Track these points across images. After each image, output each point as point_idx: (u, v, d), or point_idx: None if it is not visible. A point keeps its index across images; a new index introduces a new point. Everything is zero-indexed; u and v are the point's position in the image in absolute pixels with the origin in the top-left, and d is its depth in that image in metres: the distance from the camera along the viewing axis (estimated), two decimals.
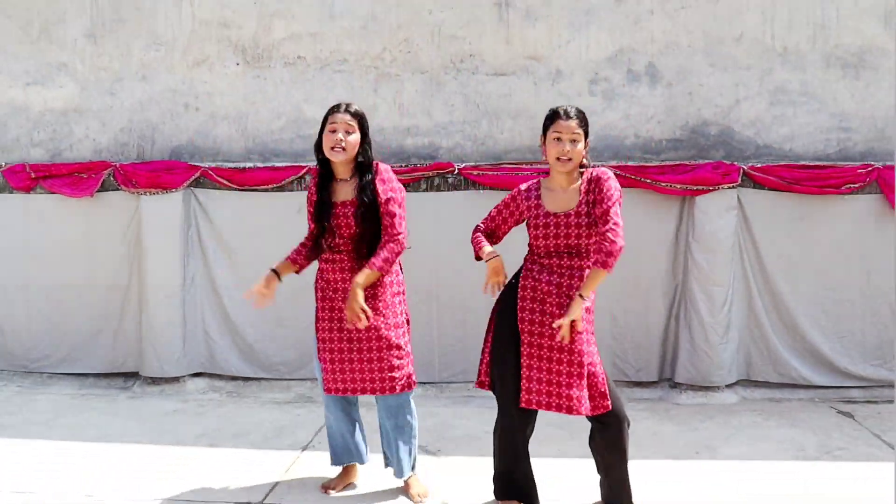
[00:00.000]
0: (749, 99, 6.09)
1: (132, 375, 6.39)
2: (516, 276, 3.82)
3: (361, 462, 4.21)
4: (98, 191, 6.28)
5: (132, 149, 6.45)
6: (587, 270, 3.59)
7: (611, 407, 3.60)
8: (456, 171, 6.06)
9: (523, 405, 3.66)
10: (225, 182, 6.18)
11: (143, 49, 6.39)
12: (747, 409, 5.73)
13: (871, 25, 6.00)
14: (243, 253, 6.25)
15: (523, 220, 3.85)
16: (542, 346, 3.63)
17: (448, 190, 6.11)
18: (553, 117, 3.64)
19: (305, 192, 5.96)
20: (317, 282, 4.10)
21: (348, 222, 3.87)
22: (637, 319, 6.11)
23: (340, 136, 3.81)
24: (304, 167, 6.12)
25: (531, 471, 3.88)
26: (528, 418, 3.79)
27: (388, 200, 3.87)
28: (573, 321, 3.47)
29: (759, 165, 5.94)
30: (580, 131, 3.61)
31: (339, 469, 4.26)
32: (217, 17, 6.32)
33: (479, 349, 6.06)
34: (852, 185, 5.85)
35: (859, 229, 5.95)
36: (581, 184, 3.66)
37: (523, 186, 3.86)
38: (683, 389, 6.01)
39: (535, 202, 3.74)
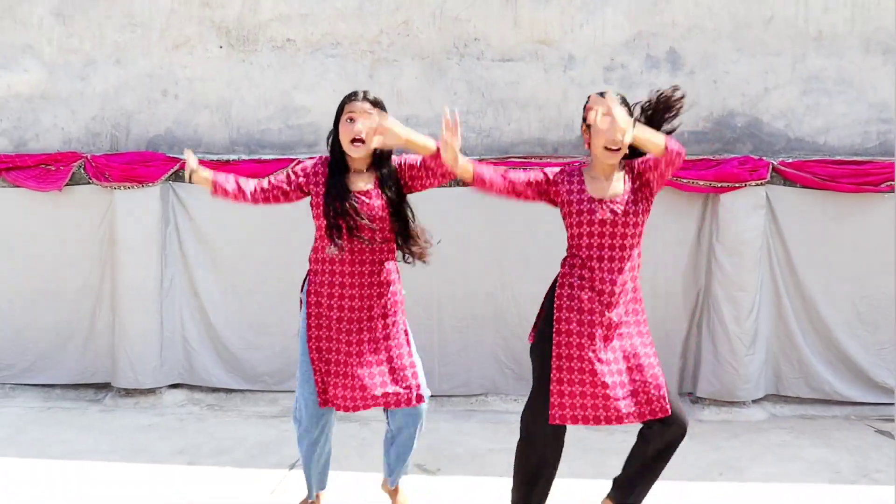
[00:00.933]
0: (780, 87, 6.09)
1: (104, 386, 6.38)
2: (551, 290, 3.78)
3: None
4: (67, 184, 6.26)
5: (105, 139, 6.43)
6: (629, 283, 3.62)
7: (670, 412, 3.55)
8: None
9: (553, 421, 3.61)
10: None
11: (117, 30, 6.37)
12: (776, 426, 5.73)
13: None
14: (227, 253, 6.26)
15: (549, 200, 3.75)
16: (583, 357, 3.58)
17: (450, 185, 6.03)
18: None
19: None
20: (312, 288, 3.96)
21: (370, 207, 3.77)
22: (655, 328, 5.94)
23: (360, 126, 3.71)
24: (294, 160, 6.03)
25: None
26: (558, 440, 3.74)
27: (403, 161, 3.82)
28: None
29: (790, 161, 5.94)
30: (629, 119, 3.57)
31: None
32: None
33: (482, 358, 6.10)
34: (893, 183, 5.84)
35: None
36: (624, 172, 3.64)
37: (556, 169, 3.78)
38: (706, 405, 6.02)
39: (578, 186, 3.66)
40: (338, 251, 3.76)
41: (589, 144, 3.62)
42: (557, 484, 3.94)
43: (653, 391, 3.55)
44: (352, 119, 3.72)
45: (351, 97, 3.79)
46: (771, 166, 5.88)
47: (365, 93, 3.79)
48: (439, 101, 6.20)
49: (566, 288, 3.66)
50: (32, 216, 6.36)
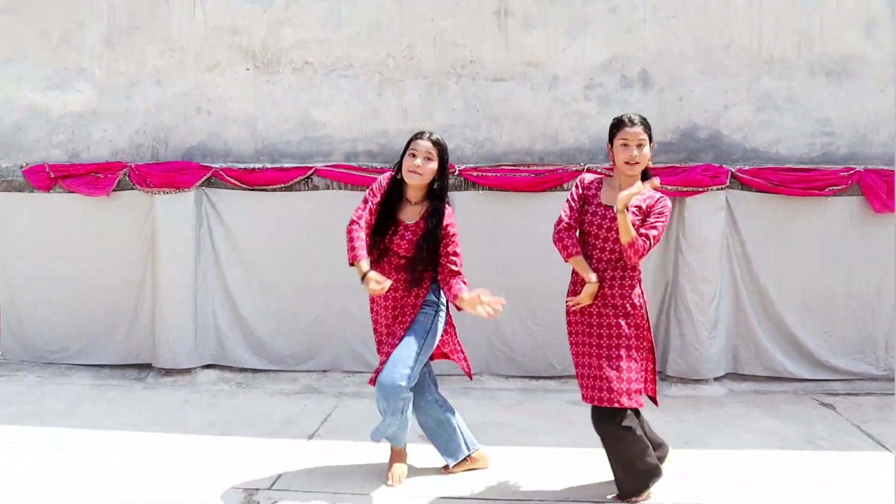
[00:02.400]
0: (737, 105, 6.10)
1: (146, 367, 6.39)
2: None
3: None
4: (114, 190, 6.28)
5: (147, 150, 6.45)
6: (635, 289, 3.78)
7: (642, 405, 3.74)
8: (457, 173, 6.04)
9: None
10: (235, 182, 6.18)
11: (158, 55, 6.40)
12: (734, 401, 5.74)
13: (854, 34, 6.01)
14: (252, 250, 6.26)
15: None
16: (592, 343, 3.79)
17: (449, 191, 6.07)
18: (619, 125, 3.74)
19: (311, 192, 6.05)
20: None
21: (408, 243, 3.89)
22: None
23: (419, 161, 3.84)
24: (311, 168, 6.13)
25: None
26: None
27: (452, 235, 3.94)
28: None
29: (746, 168, 5.95)
30: (645, 136, 3.72)
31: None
32: (228, 25, 6.32)
33: (477, 343, 6.09)
34: (835, 188, 5.87)
35: (842, 229, 5.97)
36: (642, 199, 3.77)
37: (586, 179, 3.93)
38: (673, 382, 6.02)
39: (594, 193, 3.84)
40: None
41: (613, 159, 3.78)
42: (544, 453, 3.97)
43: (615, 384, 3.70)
44: (414, 155, 3.86)
45: (417, 136, 3.93)
46: (730, 173, 5.89)
47: (430, 134, 3.93)
48: (439, 116, 6.22)
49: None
50: (84, 218, 6.37)
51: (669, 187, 5.84)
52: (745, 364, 6.10)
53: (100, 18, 6.42)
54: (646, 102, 6.10)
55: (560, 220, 3.87)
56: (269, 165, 6.25)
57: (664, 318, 6.14)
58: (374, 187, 3.99)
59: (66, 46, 6.47)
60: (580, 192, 3.89)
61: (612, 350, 3.73)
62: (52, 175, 6.35)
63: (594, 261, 3.79)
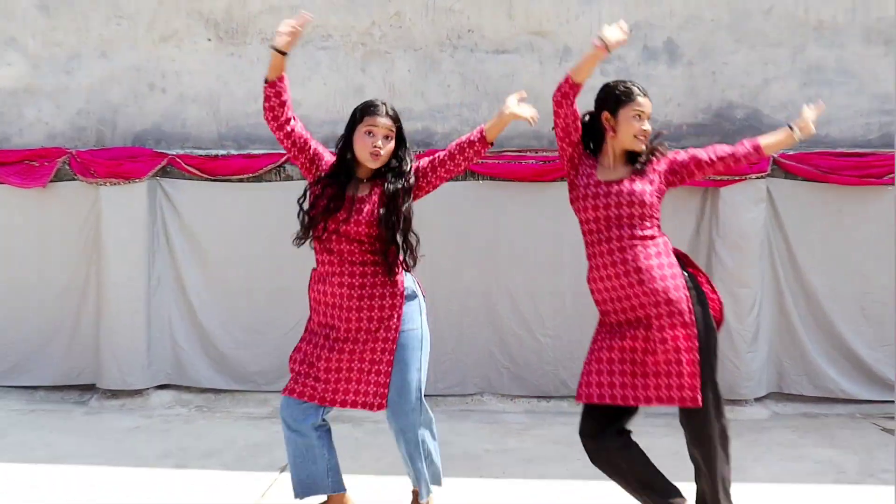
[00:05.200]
0: (779, 79, 6.11)
1: (89, 388, 6.34)
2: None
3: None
4: (52, 181, 6.24)
5: (90, 134, 6.42)
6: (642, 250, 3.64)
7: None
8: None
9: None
10: (195, 171, 6.18)
11: (103, 22, 6.36)
12: (779, 425, 5.74)
13: None
14: (215, 250, 6.26)
15: (568, 150, 3.84)
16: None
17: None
18: (630, 95, 3.71)
19: (284, 183, 6.07)
20: (310, 285, 3.96)
21: (367, 217, 3.74)
22: None
23: (380, 143, 3.71)
24: (283, 155, 6.10)
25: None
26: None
27: (423, 167, 3.84)
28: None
29: (790, 153, 5.94)
30: (651, 110, 3.77)
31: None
32: None
33: (476, 356, 6.09)
34: (895, 175, 5.85)
35: None
36: (639, 166, 3.75)
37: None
38: None
39: (589, 171, 3.79)
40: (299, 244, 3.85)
41: (612, 130, 3.72)
42: (556, 485, 3.92)
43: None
44: (371, 133, 3.69)
45: (373, 111, 3.74)
46: (772, 159, 5.87)
47: (386, 106, 3.77)
48: (432, 93, 6.22)
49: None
50: (16, 213, 6.36)
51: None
52: (791, 382, 6.10)
53: None
54: (672, 77, 6.17)
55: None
56: (234, 152, 6.28)
57: None
58: (320, 151, 3.91)
59: None
60: (581, 157, 3.86)
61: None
62: None
63: (598, 264, 3.68)
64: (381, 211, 3.72)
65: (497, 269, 6.05)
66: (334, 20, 6.21)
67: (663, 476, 3.72)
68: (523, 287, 6.05)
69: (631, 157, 3.77)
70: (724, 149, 3.80)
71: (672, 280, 3.53)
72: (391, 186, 3.74)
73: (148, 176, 6.14)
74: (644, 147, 3.74)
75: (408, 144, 3.86)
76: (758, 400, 5.99)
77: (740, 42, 6.07)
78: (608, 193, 3.65)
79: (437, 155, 3.81)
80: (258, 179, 6.14)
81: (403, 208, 3.75)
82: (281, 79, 3.83)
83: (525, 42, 6.17)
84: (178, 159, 6.14)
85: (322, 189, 3.76)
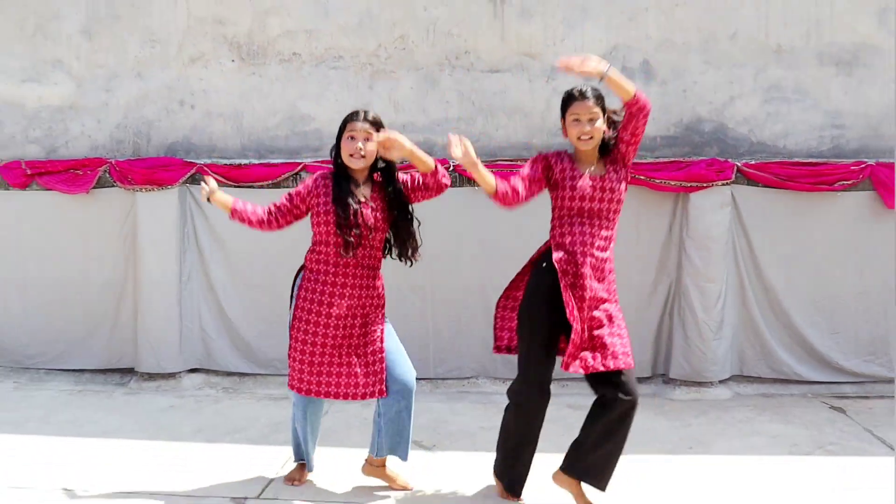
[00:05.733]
0: (743, 96, 6.12)
1: (128, 371, 6.40)
2: (545, 258, 3.88)
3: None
4: (94, 187, 6.28)
5: (128, 146, 6.46)
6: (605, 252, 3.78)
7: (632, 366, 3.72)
8: (451, 168, 5.99)
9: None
10: (221, 178, 6.13)
11: (139, 46, 6.39)
12: (740, 404, 5.77)
13: (865, 23, 6.04)
14: (239, 249, 6.26)
15: (548, 181, 3.87)
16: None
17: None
18: (569, 100, 3.74)
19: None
20: (307, 285, 4.10)
21: (375, 216, 3.94)
22: (631, 315, 6.06)
23: (360, 144, 3.88)
24: (300, 163, 6.15)
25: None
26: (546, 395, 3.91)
27: (408, 178, 4.01)
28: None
29: (752, 162, 5.98)
30: (597, 109, 3.69)
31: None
32: (212, 14, 6.33)
33: (473, 344, 6.12)
34: (845, 182, 5.89)
35: (853, 226, 6.00)
36: (607, 160, 3.81)
37: (555, 153, 3.91)
38: (677, 385, 6.06)
39: (570, 164, 3.81)
40: (349, 253, 3.90)
41: (566, 136, 3.80)
42: (545, 459, 3.99)
43: (618, 348, 3.69)
44: (353, 138, 3.89)
45: (353, 117, 3.93)
46: (736, 167, 5.91)
47: (365, 113, 3.93)
48: (433, 109, 6.24)
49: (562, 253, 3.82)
50: (62, 217, 6.38)
51: (672, 182, 5.91)
52: (751, 366, 6.12)
53: (77, 7, 6.42)
54: (648, 94, 5.85)
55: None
56: (255, 161, 6.27)
57: (667, 318, 6.17)
58: (298, 189, 4.10)
59: (42, 37, 6.47)
60: (547, 160, 3.87)
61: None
62: (29, 172, 6.35)
63: (587, 255, 3.75)
64: (393, 213, 3.93)
65: (491, 266, 5.98)
66: (345, 43, 6.23)
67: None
68: None
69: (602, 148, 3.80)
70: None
71: None
72: (391, 189, 3.93)
73: (179, 183, 6.17)
74: (587, 147, 3.71)
75: None
76: (722, 382, 5.99)
77: (708, 63, 6.07)
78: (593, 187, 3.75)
79: (416, 178, 3.96)
80: (277, 185, 6.11)
81: (408, 206, 3.98)
82: (233, 212, 4.06)
83: (516, 62, 6.16)
84: (205, 168, 6.12)
85: (332, 212, 3.92)
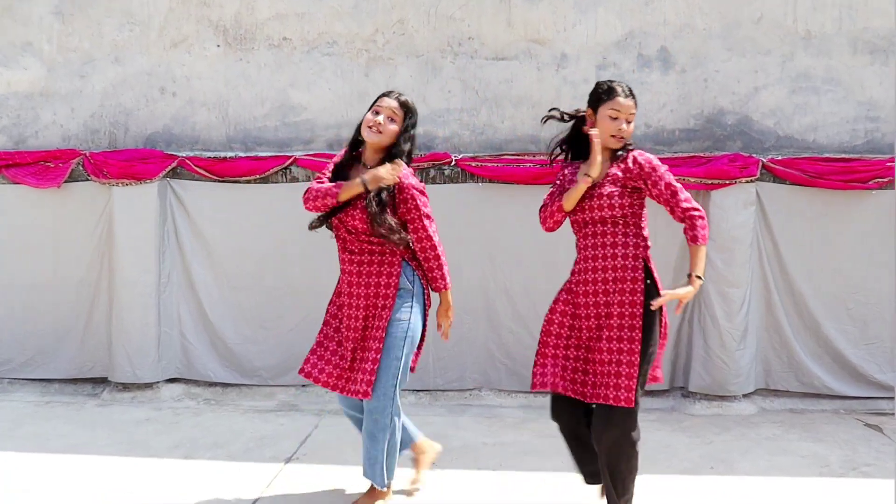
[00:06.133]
0: (769, 86, 6.08)
1: (101, 381, 6.34)
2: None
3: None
4: (66, 181, 6.21)
5: (103, 136, 6.40)
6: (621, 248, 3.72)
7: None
8: (453, 163, 6.03)
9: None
10: (204, 172, 6.15)
11: (116, 28, 6.34)
12: (766, 420, 5.73)
13: None
14: (223, 248, 6.24)
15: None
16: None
17: (444, 182, 6.08)
18: (610, 93, 3.72)
19: (290, 185, 6.08)
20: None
21: (361, 213, 3.83)
22: None
23: (381, 119, 3.87)
24: (290, 157, 6.12)
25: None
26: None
27: (415, 198, 3.88)
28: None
29: (779, 158, 5.93)
30: (635, 112, 3.74)
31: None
32: None
33: (475, 353, 6.12)
34: (881, 180, 5.86)
35: (888, 227, 5.93)
36: (618, 164, 3.74)
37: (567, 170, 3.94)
38: (697, 399, 6.00)
39: (570, 172, 3.86)
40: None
41: (593, 126, 3.75)
42: (551, 477, 3.95)
43: (611, 380, 3.64)
44: (377, 112, 3.90)
45: (384, 94, 3.98)
46: (761, 164, 5.87)
47: (399, 94, 3.97)
48: (434, 99, 6.20)
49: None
50: (32, 213, 6.32)
51: (692, 179, 5.86)
52: (778, 379, 6.09)
53: None
54: (665, 84, 6.13)
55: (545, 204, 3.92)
56: (242, 154, 6.24)
57: (686, 326, 6.13)
58: (329, 167, 4.07)
59: (11, 18, 6.42)
60: (563, 175, 3.92)
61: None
62: None
63: (597, 267, 3.75)
64: (373, 208, 3.80)
65: (495, 269, 6.04)
66: (339, 27, 6.20)
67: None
68: (520, 286, 6.04)
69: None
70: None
71: None
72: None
73: (158, 177, 6.12)
74: (617, 146, 3.73)
75: (412, 140, 3.95)
76: (746, 396, 5.96)
77: (731, 50, 6.05)
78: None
79: (413, 212, 3.87)
80: (265, 181, 6.11)
81: (390, 211, 3.83)
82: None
83: (523, 49, 6.15)
84: (187, 161, 6.12)
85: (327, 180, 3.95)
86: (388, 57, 6.22)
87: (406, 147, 3.93)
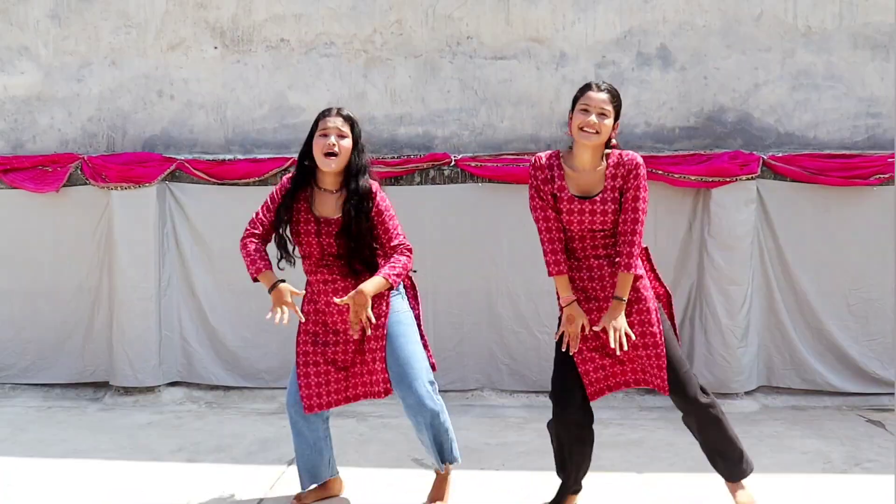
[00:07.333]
0: (769, 83, 6.09)
1: (103, 385, 6.36)
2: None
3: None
4: (64, 185, 6.24)
5: (101, 140, 6.42)
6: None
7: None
8: (452, 163, 6.05)
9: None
10: (203, 175, 6.17)
11: (113, 31, 6.35)
12: (769, 417, 5.74)
13: None
14: (223, 252, 6.19)
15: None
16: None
17: (444, 183, 6.10)
18: (584, 89, 3.70)
19: None
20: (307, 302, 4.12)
21: (330, 241, 3.87)
22: None
23: (333, 140, 3.79)
24: (289, 158, 6.10)
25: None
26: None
27: (378, 212, 3.86)
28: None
29: (780, 155, 5.95)
30: (610, 107, 3.64)
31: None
32: None
33: (477, 354, 6.14)
34: (882, 176, 5.87)
35: (889, 223, 5.92)
36: (607, 167, 3.71)
37: (542, 159, 3.80)
38: None
39: (560, 184, 3.76)
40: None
41: (571, 129, 3.71)
42: (554, 477, 3.97)
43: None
44: (325, 134, 3.81)
45: (325, 114, 3.89)
46: (761, 161, 5.88)
47: (339, 109, 3.90)
48: (433, 99, 6.21)
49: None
50: (30, 217, 6.34)
51: (692, 177, 5.87)
52: (780, 376, 6.10)
53: None
54: (665, 82, 6.12)
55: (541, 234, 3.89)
56: (240, 157, 6.25)
57: (688, 324, 6.14)
58: (270, 195, 4.01)
59: (6, 21, 6.44)
60: (537, 182, 3.81)
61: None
62: None
63: (590, 266, 3.85)
64: (346, 233, 3.81)
65: (496, 269, 6.04)
66: (337, 28, 6.20)
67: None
68: (522, 286, 6.03)
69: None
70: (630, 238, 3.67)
71: None
72: (352, 209, 3.80)
73: (157, 180, 6.14)
74: (588, 141, 3.63)
75: (364, 149, 3.89)
76: (748, 393, 5.98)
77: (731, 47, 6.05)
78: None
79: (386, 227, 3.86)
80: (263, 183, 6.08)
81: (364, 228, 3.83)
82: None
83: (522, 48, 6.15)
84: (186, 164, 6.13)
85: (279, 216, 3.95)
86: (387, 57, 6.22)
87: (364, 160, 3.88)
